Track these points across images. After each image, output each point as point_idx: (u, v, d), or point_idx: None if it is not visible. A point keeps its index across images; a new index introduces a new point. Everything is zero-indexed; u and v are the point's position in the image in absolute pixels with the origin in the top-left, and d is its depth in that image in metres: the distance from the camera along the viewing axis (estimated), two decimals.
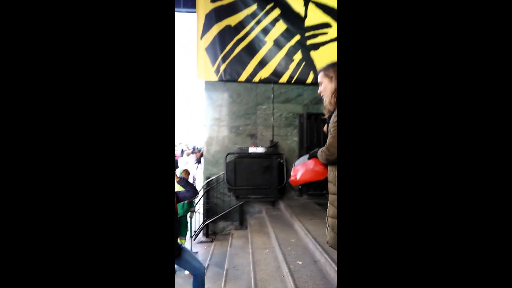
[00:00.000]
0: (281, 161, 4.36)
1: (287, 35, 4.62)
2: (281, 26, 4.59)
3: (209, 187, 4.47)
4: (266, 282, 2.24)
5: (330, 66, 1.37)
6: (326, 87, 1.36)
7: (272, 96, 4.68)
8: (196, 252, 3.59)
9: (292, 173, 1.50)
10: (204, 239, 4.32)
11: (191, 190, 2.36)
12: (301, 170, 1.46)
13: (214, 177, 4.48)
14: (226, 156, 4.32)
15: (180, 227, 3.35)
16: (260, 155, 4.30)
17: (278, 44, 4.61)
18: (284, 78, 4.61)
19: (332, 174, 1.32)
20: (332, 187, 1.31)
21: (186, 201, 3.29)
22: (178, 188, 3.04)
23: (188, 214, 3.56)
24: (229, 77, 4.54)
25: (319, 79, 1.40)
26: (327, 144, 1.29)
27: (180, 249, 2.16)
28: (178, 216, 3.25)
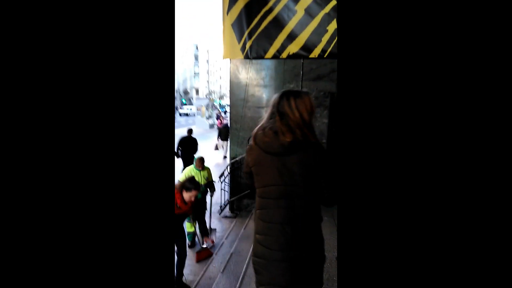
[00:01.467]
0: None
1: (320, 1, 4.01)
2: None
3: (234, 166, 4.61)
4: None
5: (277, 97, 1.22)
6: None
7: (301, 73, 4.30)
8: (214, 229, 3.89)
9: None
10: (229, 214, 4.63)
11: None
12: None
13: (239, 157, 4.58)
14: (249, 138, 4.31)
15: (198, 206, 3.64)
16: None
17: (309, 13, 4.07)
18: (315, 53, 4.12)
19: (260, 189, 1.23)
20: (259, 201, 1.22)
21: (202, 185, 3.51)
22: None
23: (209, 194, 3.80)
24: (255, 54, 4.29)
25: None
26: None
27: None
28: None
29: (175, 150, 5.55)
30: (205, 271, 2.80)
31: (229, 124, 4.99)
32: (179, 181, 2.50)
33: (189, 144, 5.76)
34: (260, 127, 1.20)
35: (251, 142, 1.21)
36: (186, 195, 2.35)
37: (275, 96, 1.22)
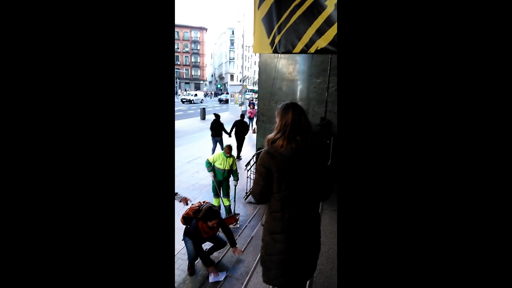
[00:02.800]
0: (328, 141, 4.24)
1: None
2: None
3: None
4: None
5: (283, 106, 1.42)
6: (277, 121, 1.44)
7: (328, 68, 4.33)
8: (238, 214, 4.23)
9: None
10: (253, 200, 4.95)
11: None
12: None
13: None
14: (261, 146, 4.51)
15: (221, 188, 4.01)
16: None
17: None
18: None
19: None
20: (279, 204, 1.36)
21: (226, 170, 3.87)
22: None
23: (233, 183, 4.15)
24: (284, 48, 4.41)
25: (276, 112, 1.48)
26: (256, 178, 1.41)
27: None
28: (218, 179, 3.93)
29: (229, 132, 7.24)
30: (227, 251, 3.15)
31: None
32: (202, 207, 2.86)
33: (241, 126, 7.38)
34: (276, 135, 1.37)
35: (269, 149, 1.35)
36: (210, 224, 2.71)
37: (282, 108, 1.42)
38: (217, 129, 7.13)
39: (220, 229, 2.98)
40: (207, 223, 2.72)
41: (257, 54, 4.93)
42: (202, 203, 2.95)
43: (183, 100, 26.57)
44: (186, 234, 2.86)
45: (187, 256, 2.87)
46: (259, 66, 4.76)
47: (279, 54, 4.51)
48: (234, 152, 7.74)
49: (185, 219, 2.91)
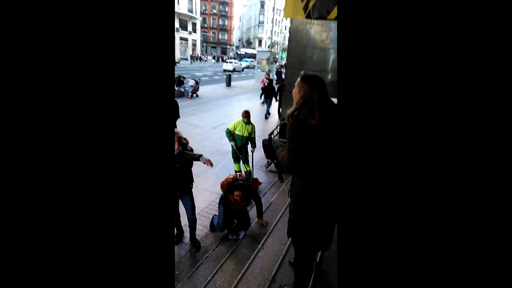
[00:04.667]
0: None
1: None
2: None
3: (283, 127, 4.88)
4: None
5: (304, 78, 1.39)
6: (295, 95, 1.45)
7: None
8: (256, 179, 4.38)
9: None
10: (274, 169, 5.06)
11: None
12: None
13: None
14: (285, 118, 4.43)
15: (241, 154, 4.14)
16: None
17: None
18: None
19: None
20: (311, 175, 1.42)
21: (244, 136, 3.95)
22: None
23: (250, 149, 4.24)
24: (318, 14, 4.16)
25: (296, 83, 1.47)
26: (286, 156, 1.45)
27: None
28: (237, 146, 4.05)
29: (260, 96, 9.22)
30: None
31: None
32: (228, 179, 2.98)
33: (269, 90, 8.85)
34: (302, 110, 1.37)
35: (296, 123, 1.36)
36: (235, 195, 2.81)
37: (303, 81, 1.40)
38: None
39: (250, 205, 3.11)
40: (233, 195, 2.87)
41: (288, 19, 4.69)
42: (238, 176, 3.07)
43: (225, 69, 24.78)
44: (220, 200, 3.01)
45: (215, 219, 3.08)
46: (289, 32, 4.57)
47: (312, 20, 4.27)
48: (262, 113, 8.62)
49: (223, 188, 3.08)
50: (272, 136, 4.88)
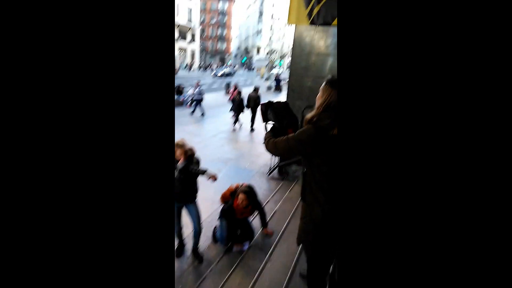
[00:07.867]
0: None
1: None
2: None
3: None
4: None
5: (330, 82, 1.32)
6: (318, 99, 1.38)
7: None
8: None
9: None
10: (276, 175, 4.96)
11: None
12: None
13: None
14: (304, 109, 4.37)
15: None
16: None
17: None
18: None
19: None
20: (322, 179, 1.35)
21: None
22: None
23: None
24: (322, 20, 4.12)
25: (320, 87, 1.39)
26: (281, 142, 1.40)
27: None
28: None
29: (244, 105, 8.17)
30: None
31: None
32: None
33: (255, 100, 8.14)
34: (323, 117, 1.29)
35: (315, 133, 1.28)
36: (239, 198, 2.74)
37: (328, 85, 1.32)
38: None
39: (252, 215, 2.99)
40: (238, 198, 2.76)
41: (289, 27, 4.67)
42: (240, 185, 2.98)
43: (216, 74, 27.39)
44: (221, 213, 2.88)
45: (217, 232, 2.94)
46: (293, 39, 4.54)
47: (316, 27, 4.24)
48: (248, 125, 8.26)
49: (224, 200, 2.96)
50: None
